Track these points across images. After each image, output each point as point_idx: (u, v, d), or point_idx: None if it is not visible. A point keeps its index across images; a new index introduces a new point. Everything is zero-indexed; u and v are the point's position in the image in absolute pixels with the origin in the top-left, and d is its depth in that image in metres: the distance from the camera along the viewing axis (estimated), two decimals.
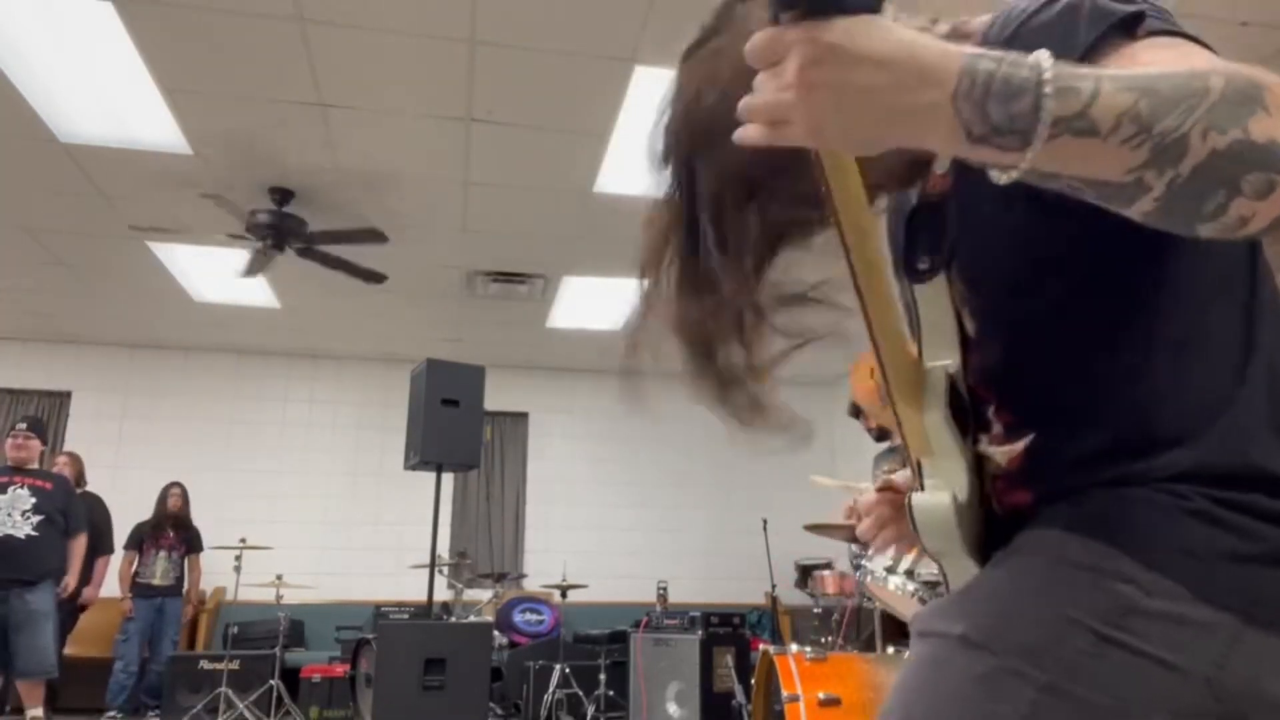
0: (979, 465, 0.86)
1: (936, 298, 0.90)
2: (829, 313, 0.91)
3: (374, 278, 5.72)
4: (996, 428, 0.87)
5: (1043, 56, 0.60)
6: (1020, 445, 0.82)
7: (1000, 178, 0.64)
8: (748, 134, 0.65)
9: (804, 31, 0.60)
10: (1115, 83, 0.60)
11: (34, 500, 5.20)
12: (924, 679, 0.79)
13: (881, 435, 4.58)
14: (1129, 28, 0.73)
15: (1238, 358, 0.77)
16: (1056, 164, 0.62)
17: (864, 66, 0.60)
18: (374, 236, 5.15)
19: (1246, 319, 0.78)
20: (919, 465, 0.89)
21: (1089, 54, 0.72)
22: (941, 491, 0.85)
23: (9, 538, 5.09)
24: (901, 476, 1.14)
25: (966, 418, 0.87)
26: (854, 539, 4.21)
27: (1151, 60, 0.70)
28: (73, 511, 5.42)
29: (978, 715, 0.72)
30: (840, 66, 0.60)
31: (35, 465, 5.43)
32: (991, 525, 0.86)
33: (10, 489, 5.20)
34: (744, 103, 0.64)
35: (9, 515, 5.13)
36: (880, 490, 1.14)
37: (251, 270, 5.57)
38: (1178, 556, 0.71)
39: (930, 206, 0.89)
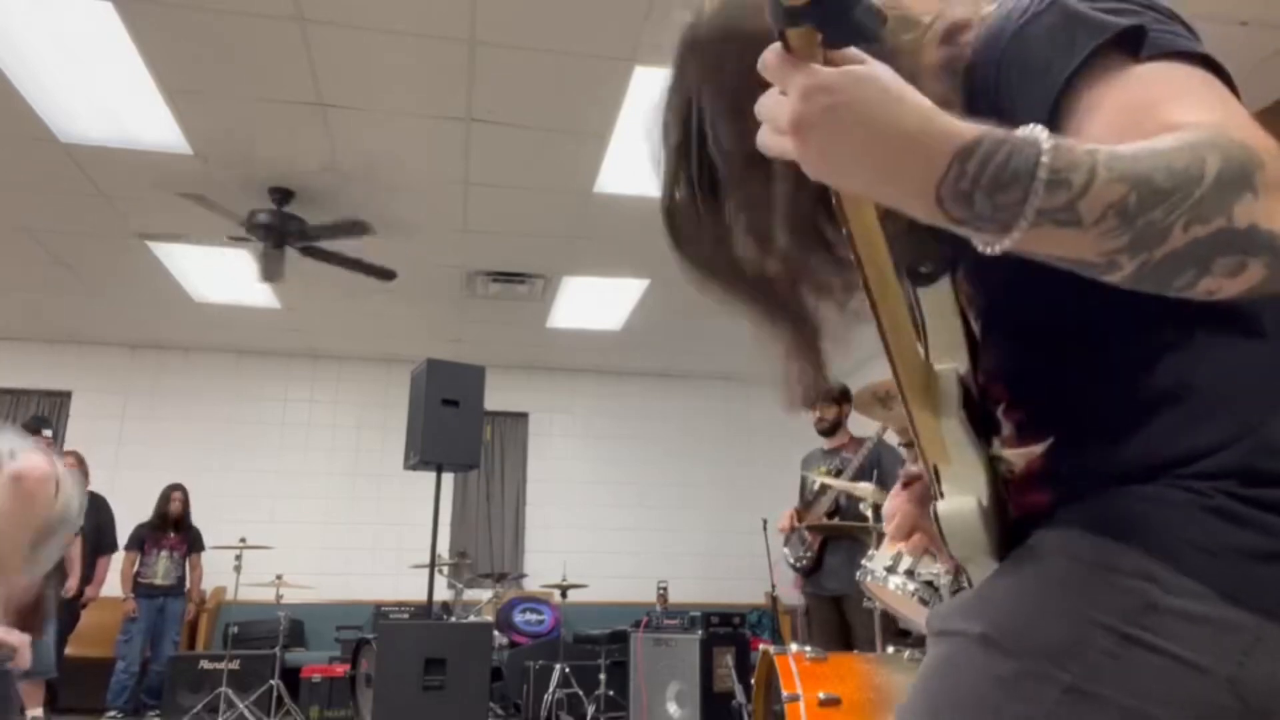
0: (993, 467, 0.86)
1: (941, 301, 0.89)
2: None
3: (385, 275, 5.70)
4: (1007, 428, 0.86)
5: (1042, 140, 0.60)
6: (1039, 449, 0.82)
7: (984, 250, 0.65)
8: (765, 140, 0.66)
9: (806, 79, 0.61)
10: (1110, 170, 0.60)
11: None
12: (945, 680, 0.78)
13: (830, 429, 4.60)
14: (1131, 45, 0.71)
15: (1259, 351, 0.76)
16: (1035, 246, 0.63)
17: (858, 135, 0.61)
18: (359, 229, 5.13)
19: (1268, 310, 0.77)
20: (936, 472, 0.88)
21: (1084, 70, 0.71)
22: (965, 496, 0.84)
23: None
24: (910, 466, 1.12)
25: (981, 420, 0.86)
26: (800, 539, 4.25)
27: (1150, 95, 0.69)
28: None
29: (1001, 717, 0.72)
30: (835, 129, 0.61)
31: None
32: (1008, 528, 0.86)
33: None
34: (757, 108, 0.66)
35: None
36: (905, 485, 1.11)
37: (268, 275, 5.57)
38: (1197, 554, 0.70)
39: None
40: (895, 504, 1.08)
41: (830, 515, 4.39)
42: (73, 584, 5.38)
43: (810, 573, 4.42)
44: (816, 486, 4.40)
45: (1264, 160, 0.62)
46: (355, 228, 5.12)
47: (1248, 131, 0.65)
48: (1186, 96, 0.69)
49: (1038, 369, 0.83)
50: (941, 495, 0.87)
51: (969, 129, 0.61)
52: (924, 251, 0.89)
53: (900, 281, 0.88)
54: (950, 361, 0.88)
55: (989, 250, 0.64)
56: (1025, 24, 0.77)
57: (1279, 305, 0.77)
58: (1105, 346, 0.80)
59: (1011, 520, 0.85)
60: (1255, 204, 0.60)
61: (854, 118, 0.61)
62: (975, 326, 0.88)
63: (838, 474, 4.32)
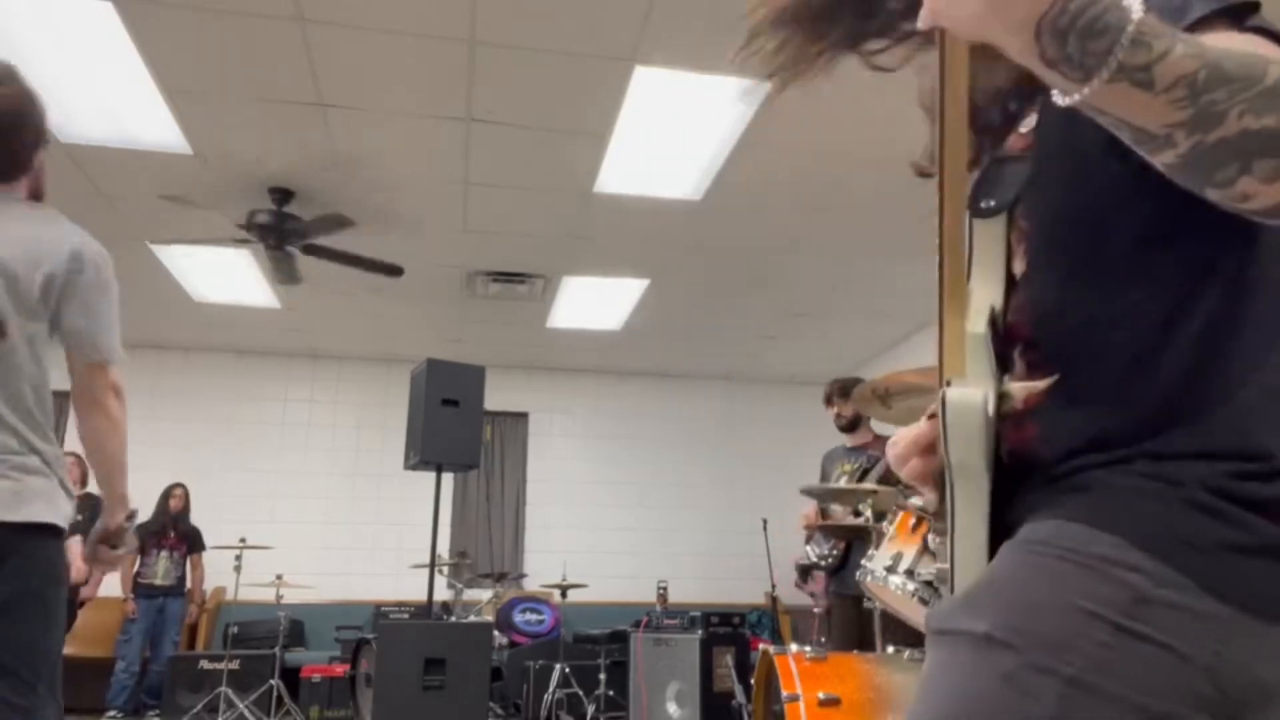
0: (1000, 403, 0.88)
1: (992, 235, 0.93)
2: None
3: (392, 271, 5.69)
4: (1019, 367, 0.88)
5: (1135, 5, 0.65)
6: (1042, 384, 0.84)
7: (1060, 99, 0.70)
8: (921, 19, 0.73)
9: None
10: (1187, 47, 0.65)
11: None
12: (951, 680, 0.79)
13: (850, 425, 4.58)
14: (1239, 17, 0.77)
15: (1257, 345, 0.78)
16: (1108, 103, 0.68)
17: None
18: (340, 223, 5.11)
19: (1272, 303, 0.80)
20: (949, 385, 0.88)
21: (1197, 25, 0.76)
22: (975, 389, 0.84)
23: None
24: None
25: (1003, 355, 0.89)
26: (825, 536, 4.18)
27: (1239, 47, 0.74)
28: None
29: (1008, 714, 0.73)
30: None
31: None
32: (998, 476, 0.86)
33: None
34: None
35: None
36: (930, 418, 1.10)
37: (284, 276, 5.56)
38: (1180, 547, 0.73)
39: (1007, 160, 0.94)
40: (904, 447, 1.06)
41: (856, 514, 4.37)
42: (78, 579, 5.33)
43: (836, 571, 4.38)
44: (842, 481, 4.35)
45: None
46: (337, 222, 5.10)
47: None
48: (1272, 54, 0.74)
49: (1064, 311, 0.86)
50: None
51: None
52: (992, 188, 0.93)
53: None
54: (986, 296, 0.91)
55: (1066, 100, 0.69)
56: None
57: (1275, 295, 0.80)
58: (1129, 306, 0.82)
59: (1004, 456, 0.86)
60: None
61: None
62: (1018, 268, 0.91)
63: (864, 473, 4.27)
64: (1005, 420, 0.86)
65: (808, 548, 4.53)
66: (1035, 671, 0.73)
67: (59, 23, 3.76)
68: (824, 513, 4.50)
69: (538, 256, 6.20)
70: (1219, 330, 0.79)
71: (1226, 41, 0.74)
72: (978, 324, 0.87)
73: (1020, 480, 0.85)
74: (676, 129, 4.55)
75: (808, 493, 4.12)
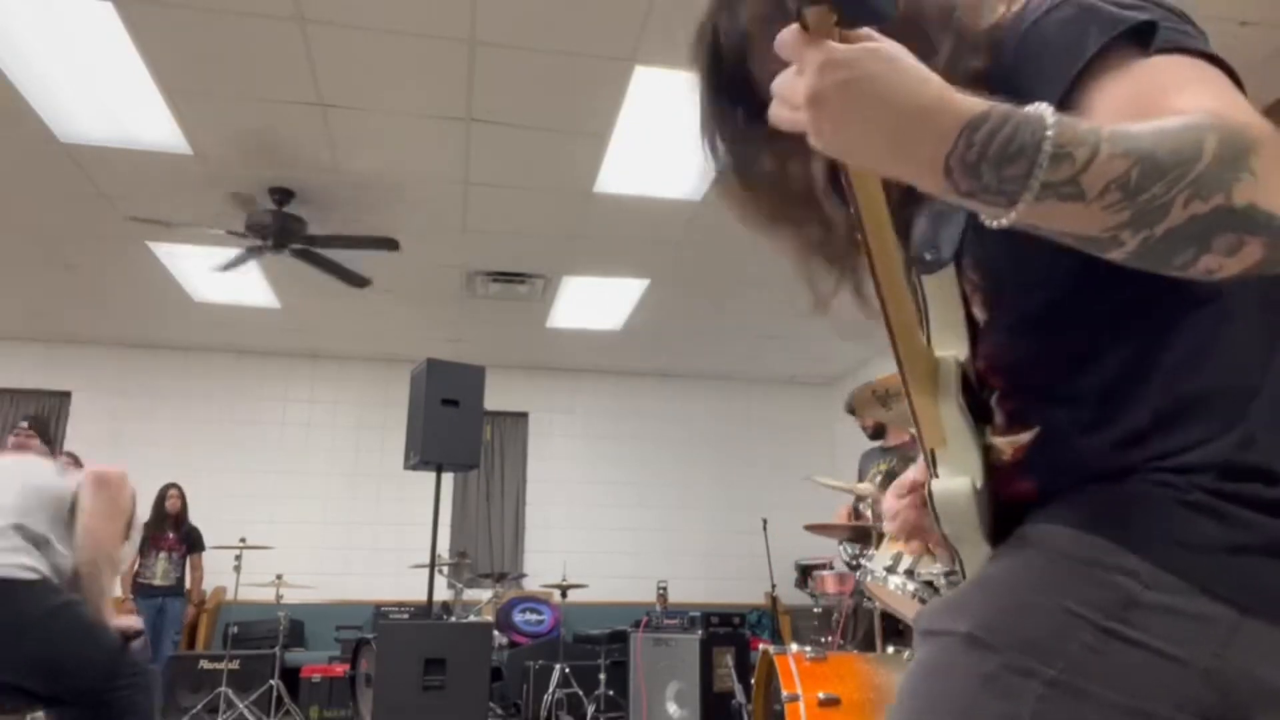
0: (987, 453, 0.87)
1: (944, 288, 0.91)
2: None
3: (359, 281, 5.69)
4: (999, 418, 0.87)
5: (1047, 115, 0.62)
6: (1026, 436, 0.83)
7: (989, 223, 0.67)
8: (778, 115, 0.68)
9: (823, 55, 0.63)
10: (1114, 146, 0.62)
11: None
12: (932, 680, 0.79)
13: (876, 433, 4.57)
14: (1141, 38, 0.73)
15: (1243, 348, 0.78)
16: (1040, 220, 0.65)
17: (870, 108, 0.63)
18: (384, 244, 5.13)
19: (1256, 310, 0.79)
20: (932, 455, 0.89)
21: (1097, 60, 0.73)
22: (960, 477, 0.85)
23: None
24: (911, 472, 1.13)
25: (978, 406, 0.88)
26: (852, 538, 4.15)
27: (1157, 83, 0.71)
28: None
29: (985, 714, 0.73)
30: (848, 103, 0.63)
31: None
32: (1000, 513, 0.87)
33: None
34: (774, 85, 0.68)
35: None
36: (909, 491, 1.12)
37: (233, 264, 5.53)
38: (1175, 549, 0.72)
39: (941, 202, 0.90)
40: (896, 505, 1.09)
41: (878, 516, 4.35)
42: None
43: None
44: (876, 480, 4.33)
45: (1261, 142, 0.63)
46: (380, 242, 5.11)
47: (1247, 117, 0.66)
48: (1191, 85, 0.70)
49: (1032, 359, 0.85)
50: (936, 477, 0.88)
51: (978, 103, 0.64)
52: (932, 237, 0.91)
53: (905, 270, 0.89)
54: (951, 349, 0.90)
55: (995, 224, 0.66)
56: (1041, 17, 0.79)
57: (1262, 305, 0.79)
58: (1096, 342, 0.81)
59: (1001, 506, 0.87)
60: (1254, 184, 0.62)
61: (867, 91, 0.63)
62: (979, 315, 0.89)
63: (893, 475, 4.24)
64: (998, 472, 0.86)
65: (840, 548, 4.52)
66: (1015, 673, 0.72)
67: (59, 23, 3.76)
68: (857, 513, 4.49)
69: (538, 256, 6.19)
70: (1197, 354, 0.77)
71: (1144, 79, 0.71)
72: (949, 389, 0.86)
73: (1021, 517, 0.84)
74: (676, 129, 4.55)
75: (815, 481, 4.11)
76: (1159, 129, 0.64)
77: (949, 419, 0.86)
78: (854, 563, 4.39)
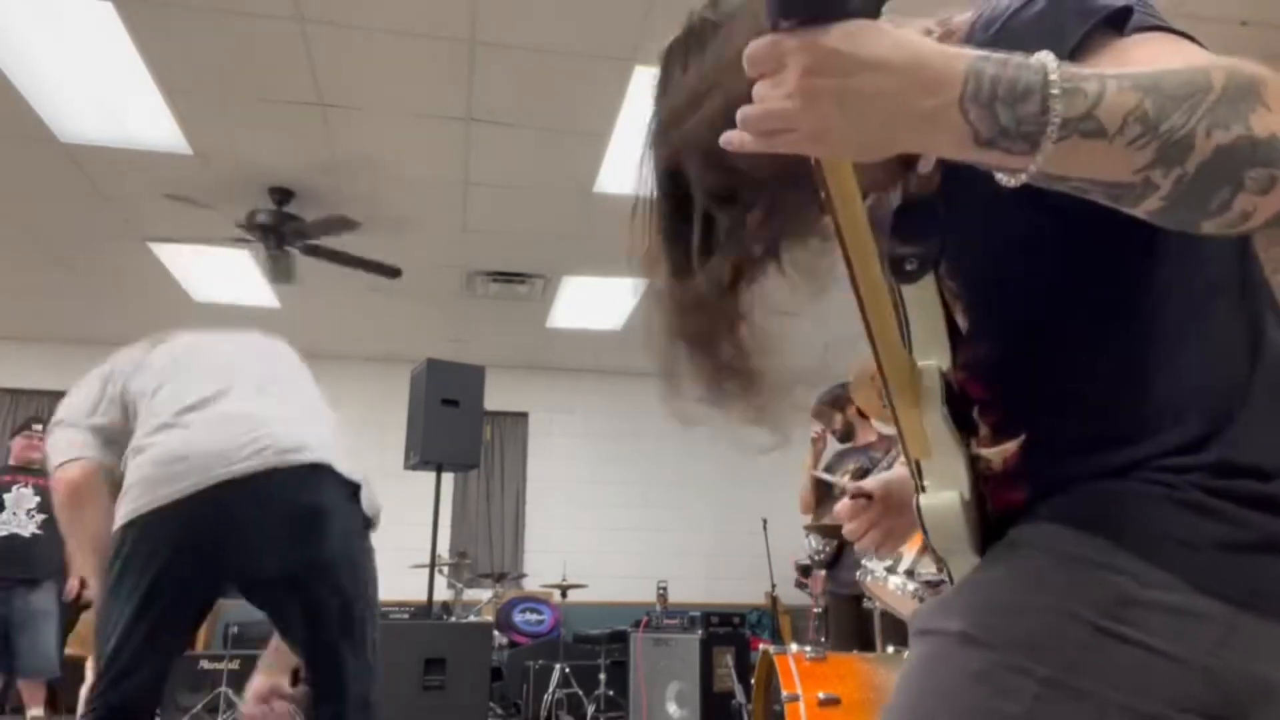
0: (974, 465, 0.86)
1: (925, 297, 0.89)
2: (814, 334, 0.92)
3: (389, 272, 5.69)
4: (984, 430, 0.87)
5: (1047, 58, 0.60)
6: (1014, 445, 0.83)
7: (1008, 181, 0.64)
8: (742, 140, 0.64)
9: (804, 38, 0.59)
10: (1120, 82, 0.60)
11: (38, 499, 5.19)
12: (925, 678, 0.79)
13: (845, 435, 4.58)
14: (1117, 23, 0.72)
15: (1228, 347, 0.77)
16: (1065, 166, 0.62)
17: (867, 72, 0.59)
18: (344, 225, 5.11)
19: (1238, 308, 0.79)
20: (918, 466, 0.89)
21: (1077, 51, 0.71)
22: (947, 490, 0.85)
23: (13, 536, 5.08)
24: (873, 481, 1.13)
25: (962, 416, 0.87)
26: (821, 534, 4.13)
27: (1143, 57, 0.70)
28: None
29: (980, 713, 0.72)
30: (843, 73, 0.59)
31: (40, 465, 5.40)
32: (988, 524, 0.87)
33: (15, 488, 5.19)
34: (742, 112, 0.63)
35: (14, 514, 5.12)
36: (854, 497, 1.13)
37: (277, 276, 5.55)
38: (1169, 546, 0.71)
39: (916, 206, 0.88)
40: (847, 509, 1.11)
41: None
42: (74, 585, 5.35)
43: (829, 568, 4.37)
44: (845, 480, 4.33)
45: (1264, 78, 0.62)
46: (342, 224, 5.11)
47: (1241, 61, 0.65)
48: (1178, 54, 0.70)
49: (1016, 366, 0.84)
50: (923, 489, 0.88)
51: (971, 50, 0.62)
52: (909, 244, 0.89)
53: (885, 280, 0.88)
54: (933, 358, 0.88)
55: (1017, 181, 0.63)
56: (1009, 19, 0.78)
57: (1242, 295, 0.79)
58: (1081, 346, 0.80)
59: (991, 515, 0.86)
60: (1270, 115, 0.61)
61: (860, 60, 0.59)
62: (960, 322, 0.88)
63: (864, 473, 4.26)
64: (988, 482, 0.86)
65: (806, 540, 4.52)
66: (1010, 671, 0.72)
67: (59, 22, 3.75)
68: (820, 498, 4.49)
69: (538, 256, 6.20)
70: (1182, 354, 0.77)
71: (1129, 57, 0.70)
72: (933, 399, 0.85)
73: (1012, 524, 0.84)
74: None
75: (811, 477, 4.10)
76: (1161, 69, 0.63)
77: (933, 428, 0.85)
78: (815, 557, 4.39)
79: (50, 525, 5.15)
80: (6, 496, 5.14)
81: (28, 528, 5.12)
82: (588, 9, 3.63)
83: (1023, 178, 0.63)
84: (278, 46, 3.90)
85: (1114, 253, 0.78)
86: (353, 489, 2.26)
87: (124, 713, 1.88)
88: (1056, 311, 0.81)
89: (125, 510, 1.95)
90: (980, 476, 0.86)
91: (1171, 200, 0.62)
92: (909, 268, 0.89)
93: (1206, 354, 0.77)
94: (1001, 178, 0.64)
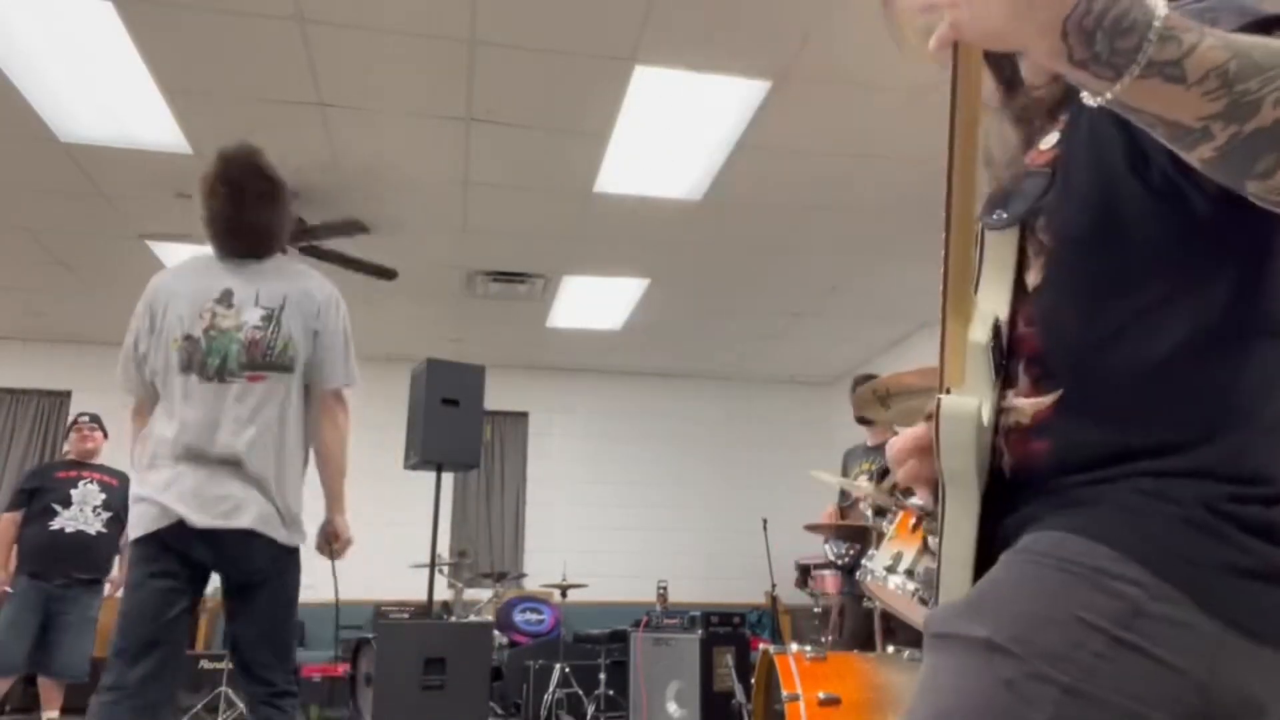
0: (998, 415, 0.88)
1: (1003, 246, 0.93)
2: None
3: (384, 274, 5.69)
4: (1024, 381, 0.89)
5: (1159, 4, 0.66)
6: (1050, 399, 0.85)
7: (1091, 100, 0.70)
8: (935, 39, 0.73)
9: None
10: (1216, 39, 0.65)
11: (104, 496, 5.06)
12: (952, 682, 0.80)
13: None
14: (1268, 28, 0.77)
15: (1265, 383, 0.80)
16: (1140, 100, 0.68)
17: None
18: (355, 228, 5.11)
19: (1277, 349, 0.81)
20: (948, 393, 0.89)
21: None
22: (970, 398, 0.86)
23: (81, 534, 4.92)
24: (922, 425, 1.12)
25: (1003, 361, 0.89)
26: (840, 536, 4.12)
27: None
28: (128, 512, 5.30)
29: (1008, 719, 0.75)
30: None
31: (98, 459, 5.23)
32: (996, 485, 0.87)
33: (81, 483, 5.03)
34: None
35: (80, 510, 4.96)
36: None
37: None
38: (1176, 562, 0.75)
39: (1026, 175, 0.94)
40: (905, 447, 1.07)
41: (878, 514, 4.33)
42: (112, 587, 5.13)
43: (849, 571, 4.36)
44: (861, 479, 4.32)
45: None
46: (351, 227, 5.11)
47: None
48: None
49: (1075, 325, 0.86)
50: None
51: None
52: (999, 202, 0.93)
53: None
54: (992, 306, 0.91)
55: (1096, 101, 0.69)
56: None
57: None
58: (1142, 330, 0.82)
59: (1006, 466, 0.87)
60: None
61: None
62: (1034, 279, 0.91)
63: (884, 473, 4.26)
64: (1011, 434, 0.87)
65: (825, 546, 4.51)
66: (1035, 679, 0.74)
67: (59, 23, 3.76)
68: (844, 512, 4.48)
69: (538, 256, 6.20)
70: (1230, 354, 0.80)
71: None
72: (980, 334, 0.88)
73: (1021, 490, 0.85)
74: (676, 129, 4.55)
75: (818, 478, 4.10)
76: (1260, 39, 0.68)
77: (975, 354, 0.87)
78: (840, 561, 4.39)
79: (114, 524, 5.00)
80: (74, 492, 4.97)
81: (94, 525, 4.96)
82: (588, 9, 3.63)
83: (1102, 100, 0.69)
84: (278, 46, 3.90)
85: (1201, 258, 0.82)
86: None
87: None
88: (1136, 276, 0.84)
89: None
90: (1006, 431, 0.88)
91: (1222, 152, 0.67)
92: (996, 217, 0.94)
93: (1244, 383, 0.80)
94: (1084, 95, 0.71)
